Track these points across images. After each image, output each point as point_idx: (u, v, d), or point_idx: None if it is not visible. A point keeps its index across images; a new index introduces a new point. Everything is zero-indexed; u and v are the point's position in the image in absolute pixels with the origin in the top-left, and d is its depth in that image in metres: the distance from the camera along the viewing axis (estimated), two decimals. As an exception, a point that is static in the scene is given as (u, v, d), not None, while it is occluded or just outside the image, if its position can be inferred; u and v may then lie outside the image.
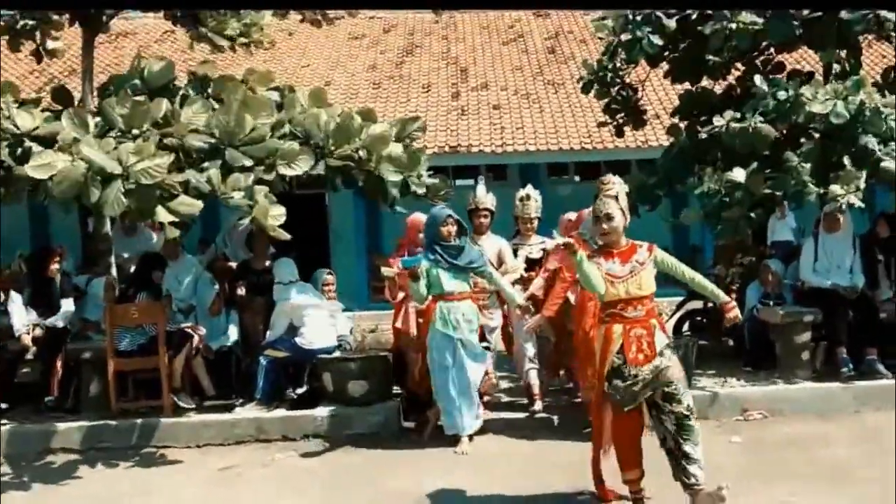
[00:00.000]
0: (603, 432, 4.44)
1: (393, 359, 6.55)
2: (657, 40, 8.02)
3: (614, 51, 8.93)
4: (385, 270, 6.04)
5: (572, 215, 6.53)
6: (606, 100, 9.34)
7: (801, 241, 7.80)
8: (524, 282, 6.49)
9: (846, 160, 6.83)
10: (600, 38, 8.89)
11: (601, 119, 10.17)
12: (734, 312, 4.48)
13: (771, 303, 7.29)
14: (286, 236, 5.90)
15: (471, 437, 5.82)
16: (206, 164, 5.84)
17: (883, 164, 6.61)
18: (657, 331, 4.25)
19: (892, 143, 6.71)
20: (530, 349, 6.41)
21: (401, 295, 6.18)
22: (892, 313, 6.98)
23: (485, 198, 6.59)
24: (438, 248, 5.72)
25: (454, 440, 5.79)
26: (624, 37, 8.31)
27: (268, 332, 6.81)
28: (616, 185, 4.35)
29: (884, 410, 6.31)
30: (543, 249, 6.56)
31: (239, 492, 5.23)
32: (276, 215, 5.77)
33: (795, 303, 7.21)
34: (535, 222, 6.71)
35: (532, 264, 6.62)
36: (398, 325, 6.30)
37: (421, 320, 6.10)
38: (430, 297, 5.72)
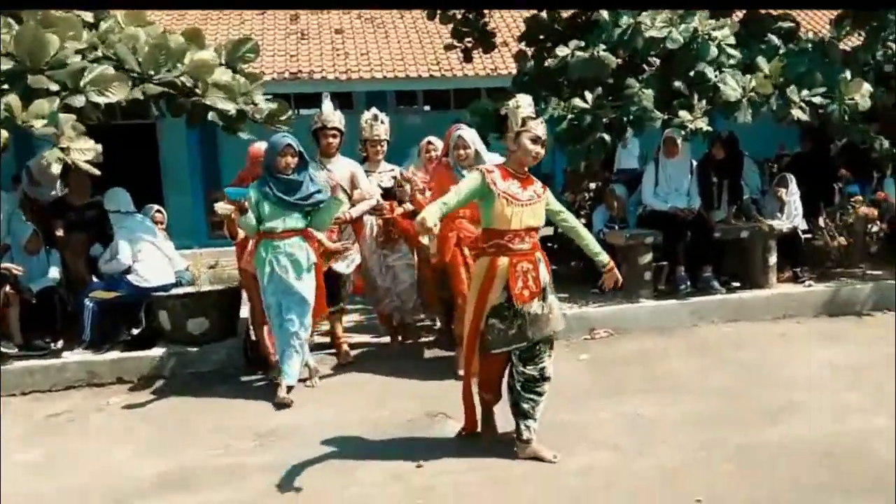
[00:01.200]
0: (473, 363, 4.20)
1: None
2: None
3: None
4: (219, 207, 5.47)
5: (433, 139, 6.25)
6: (452, 24, 9.17)
7: (644, 167, 8.03)
8: (378, 211, 6.11)
9: (683, 87, 7.05)
10: None
11: (446, 49, 9.99)
12: (613, 275, 4.29)
13: (616, 226, 7.49)
14: (95, 172, 5.38)
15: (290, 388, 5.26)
16: (5, 88, 5.19)
17: (722, 88, 6.82)
18: (542, 265, 4.08)
19: (727, 70, 6.94)
20: (387, 281, 6.20)
21: (241, 233, 5.70)
22: (726, 232, 7.32)
23: (332, 115, 5.97)
24: (271, 179, 5.19)
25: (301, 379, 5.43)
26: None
27: (110, 262, 6.24)
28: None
29: (717, 323, 6.71)
30: (394, 178, 6.31)
31: (70, 439, 4.84)
32: (85, 149, 5.18)
33: (638, 226, 7.42)
34: (385, 145, 6.33)
35: (384, 193, 6.21)
36: (243, 264, 5.74)
37: None
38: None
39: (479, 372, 4.23)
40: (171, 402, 5.41)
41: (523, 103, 4.08)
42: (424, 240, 5.47)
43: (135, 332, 6.22)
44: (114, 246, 6.25)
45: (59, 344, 6.16)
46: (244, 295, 6.18)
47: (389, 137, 6.37)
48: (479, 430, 4.41)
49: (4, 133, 5.04)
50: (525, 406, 4.09)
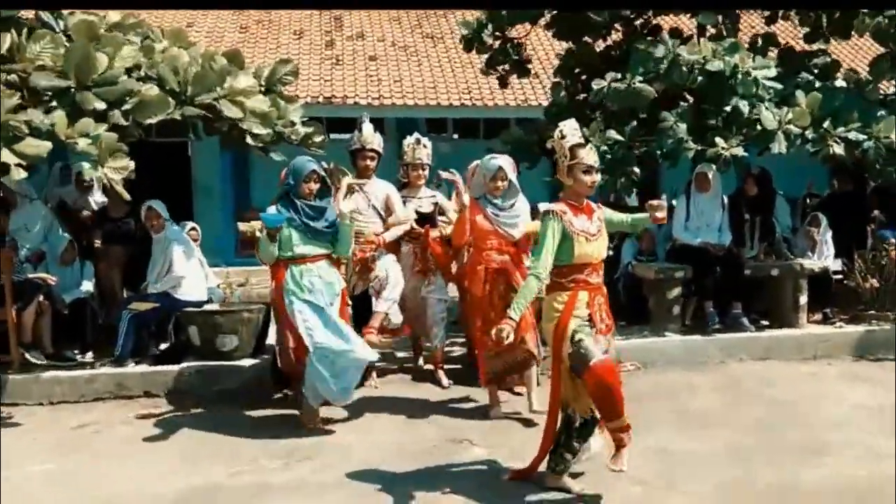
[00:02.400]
0: (559, 399, 3.94)
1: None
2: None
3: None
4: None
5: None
6: (488, 55, 9.28)
7: (672, 201, 8.00)
8: (413, 237, 6.05)
9: (717, 121, 7.05)
10: None
11: (482, 74, 10.09)
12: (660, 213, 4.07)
13: (644, 260, 7.46)
14: (126, 196, 5.45)
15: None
16: (53, 104, 5.27)
17: (760, 116, 6.79)
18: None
19: (763, 105, 6.93)
20: (418, 308, 6.17)
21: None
22: (756, 269, 7.27)
23: (372, 137, 5.96)
24: (294, 204, 5.04)
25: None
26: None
27: (165, 276, 6.23)
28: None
29: (746, 361, 6.65)
30: (434, 203, 6.28)
31: (95, 450, 4.86)
32: (119, 167, 5.21)
33: (667, 260, 7.39)
34: (426, 169, 6.26)
35: (422, 219, 6.14)
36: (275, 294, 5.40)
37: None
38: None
39: (597, 400, 3.78)
40: (197, 418, 5.43)
41: (568, 132, 3.90)
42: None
43: (163, 346, 6.28)
44: (172, 259, 6.21)
45: (89, 356, 6.23)
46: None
47: (431, 162, 6.37)
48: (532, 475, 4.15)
49: (47, 144, 5.08)
50: (575, 444, 3.93)
